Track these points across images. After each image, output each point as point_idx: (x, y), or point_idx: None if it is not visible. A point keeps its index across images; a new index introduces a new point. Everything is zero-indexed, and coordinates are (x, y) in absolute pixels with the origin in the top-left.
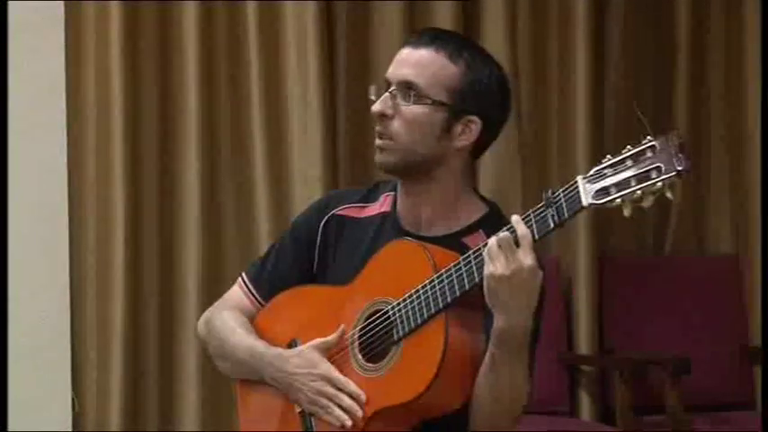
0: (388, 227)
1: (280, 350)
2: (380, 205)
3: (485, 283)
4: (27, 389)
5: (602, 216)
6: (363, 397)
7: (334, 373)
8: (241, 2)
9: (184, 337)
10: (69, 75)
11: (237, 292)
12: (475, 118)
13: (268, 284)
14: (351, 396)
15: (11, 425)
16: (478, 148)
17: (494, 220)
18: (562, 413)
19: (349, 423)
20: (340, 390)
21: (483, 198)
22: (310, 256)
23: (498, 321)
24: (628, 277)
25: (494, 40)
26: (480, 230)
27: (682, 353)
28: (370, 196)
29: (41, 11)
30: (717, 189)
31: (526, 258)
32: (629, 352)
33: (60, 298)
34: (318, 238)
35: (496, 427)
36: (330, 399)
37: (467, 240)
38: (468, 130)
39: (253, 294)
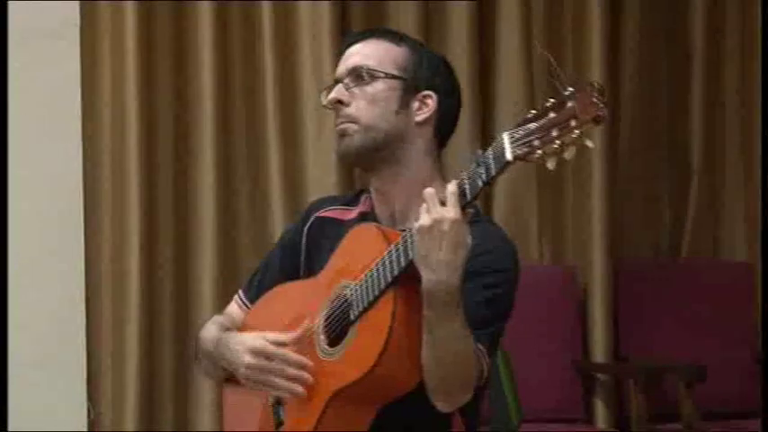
0: None
1: (231, 333)
2: (361, 206)
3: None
4: (42, 395)
5: (617, 223)
6: (305, 361)
7: (265, 344)
8: (256, 8)
9: None
10: (85, 80)
11: (232, 305)
12: (430, 92)
13: (256, 291)
14: (293, 364)
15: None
16: (441, 128)
17: (467, 206)
18: (577, 421)
19: (298, 389)
20: (284, 361)
21: None
22: (296, 261)
23: (423, 279)
24: (643, 285)
25: (509, 45)
26: None
27: (697, 360)
28: (353, 201)
29: (57, 16)
30: (732, 195)
31: (449, 211)
32: (645, 359)
33: (76, 303)
34: (303, 242)
35: (450, 392)
36: (267, 371)
37: None
38: (425, 105)
39: (244, 303)
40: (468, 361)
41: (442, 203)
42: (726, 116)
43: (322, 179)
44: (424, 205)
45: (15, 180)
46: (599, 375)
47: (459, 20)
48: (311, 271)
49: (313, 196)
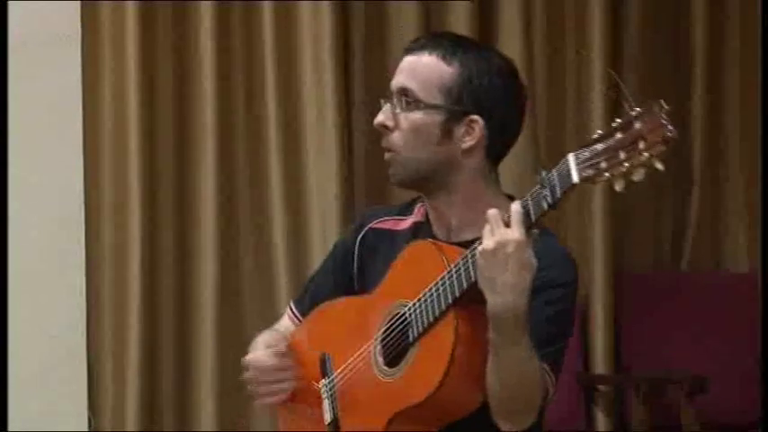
0: (421, 235)
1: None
2: (414, 216)
3: (477, 265)
4: (43, 405)
5: (619, 232)
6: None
7: (245, 358)
8: (257, 14)
9: (201, 352)
10: (86, 88)
11: (284, 317)
12: (476, 117)
13: (309, 304)
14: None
15: None
16: (493, 148)
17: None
18: None
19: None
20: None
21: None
22: (349, 273)
23: (489, 302)
24: (644, 295)
25: (509, 46)
26: None
27: (699, 371)
28: (407, 210)
29: (58, 23)
30: (733, 205)
31: (513, 233)
32: (646, 370)
33: (76, 313)
34: (356, 254)
35: (514, 415)
36: (255, 383)
37: None
38: (471, 131)
39: (295, 315)
40: (534, 383)
41: (506, 225)
42: (727, 126)
43: (323, 188)
44: (487, 227)
45: (16, 188)
46: (600, 386)
47: (459, 21)
48: (364, 283)
49: (314, 205)
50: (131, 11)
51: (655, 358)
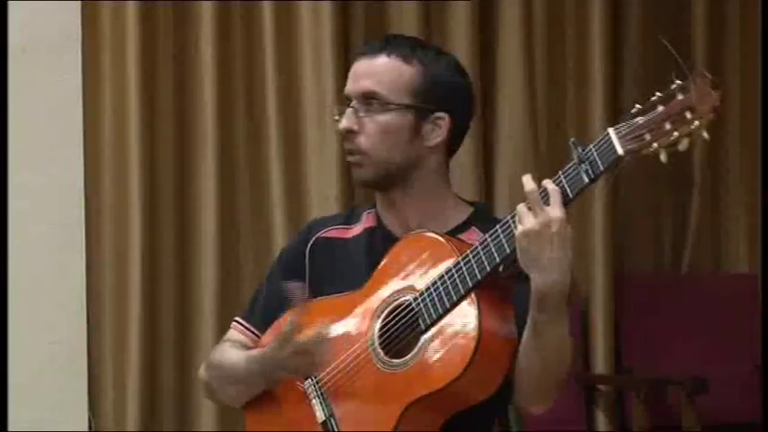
0: (379, 239)
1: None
2: (364, 223)
3: (517, 245)
4: (44, 405)
5: (619, 235)
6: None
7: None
8: (257, 18)
9: (201, 359)
10: (86, 92)
11: (231, 333)
12: (442, 114)
13: (261, 315)
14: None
15: None
16: (453, 144)
17: (483, 217)
18: None
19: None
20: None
21: (464, 200)
22: (301, 282)
23: (535, 282)
24: (644, 296)
25: (509, 46)
26: (473, 227)
27: (699, 372)
28: (351, 218)
29: (58, 27)
30: (733, 207)
31: (555, 211)
32: (647, 371)
33: (77, 314)
34: (306, 263)
35: (547, 393)
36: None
37: (463, 237)
38: (438, 128)
39: (247, 328)
40: (568, 360)
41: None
42: (726, 127)
43: (323, 191)
44: (522, 207)
45: (16, 189)
46: (600, 386)
47: (459, 21)
48: (318, 291)
49: (314, 208)
50: (132, 12)
51: (655, 358)
